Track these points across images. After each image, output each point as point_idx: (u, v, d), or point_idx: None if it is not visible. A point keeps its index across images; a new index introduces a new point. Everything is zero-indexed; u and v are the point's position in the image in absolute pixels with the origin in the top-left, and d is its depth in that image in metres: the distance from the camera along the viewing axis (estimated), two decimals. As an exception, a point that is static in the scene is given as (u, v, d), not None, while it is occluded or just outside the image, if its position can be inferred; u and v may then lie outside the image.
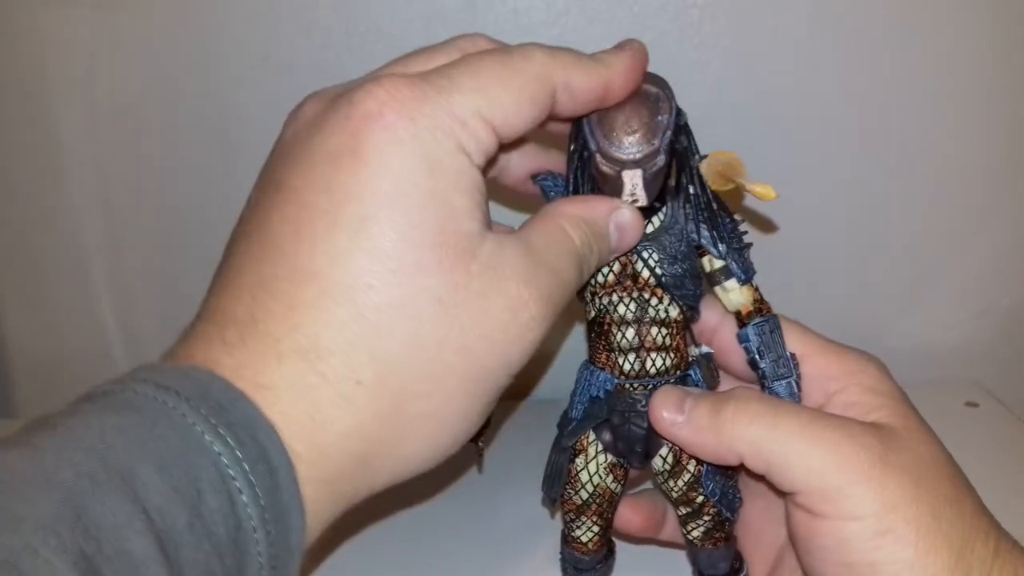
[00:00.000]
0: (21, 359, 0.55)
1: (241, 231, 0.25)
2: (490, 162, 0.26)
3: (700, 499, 0.31)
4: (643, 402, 0.30)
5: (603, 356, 0.31)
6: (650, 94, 0.29)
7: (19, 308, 0.54)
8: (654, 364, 0.31)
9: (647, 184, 0.28)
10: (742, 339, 0.30)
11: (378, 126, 0.23)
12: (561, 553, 0.35)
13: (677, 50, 0.46)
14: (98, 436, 0.21)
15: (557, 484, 0.33)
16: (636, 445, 0.31)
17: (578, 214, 0.28)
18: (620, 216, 0.28)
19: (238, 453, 0.21)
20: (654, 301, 0.30)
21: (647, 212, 0.30)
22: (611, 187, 0.29)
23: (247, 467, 0.22)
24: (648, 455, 0.31)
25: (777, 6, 0.46)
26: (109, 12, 0.46)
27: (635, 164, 0.28)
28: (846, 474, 0.26)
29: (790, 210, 0.50)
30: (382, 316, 0.23)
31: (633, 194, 0.29)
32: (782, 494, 0.28)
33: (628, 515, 0.34)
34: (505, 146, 0.26)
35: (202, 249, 0.52)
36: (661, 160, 0.28)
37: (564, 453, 0.32)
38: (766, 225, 0.49)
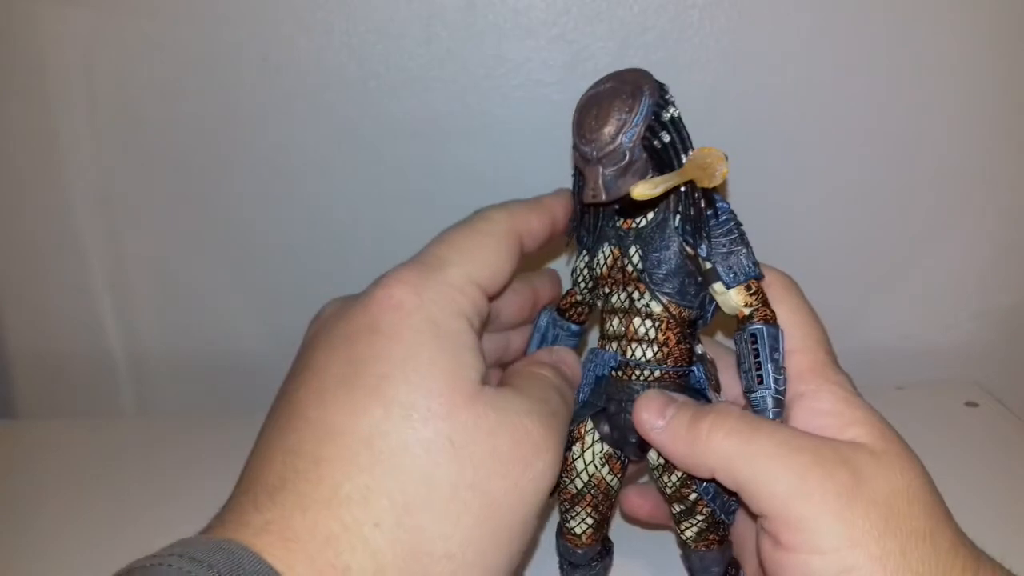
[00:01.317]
0: (21, 359, 0.55)
1: (271, 413, 0.28)
2: (484, 320, 0.30)
3: (693, 496, 0.31)
4: (640, 392, 0.30)
5: (600, 343, 0.32)
6: (623, 91, 0.29)
7: (19, 308, 0.54)
8: (633, 354, 0.31)
9: (608, 181, 0.28)
10: (734, 343, 0.30)
11: (389, 305, 0.26)
12: (557, 546, 0.35)
13: (677, 50, 0.46)
14: None
15: None
16: (630, 435, 0.31)
17: (534, 360, 0.33)
18: (558, 355, 0.33)
19: None
20: (637, 295, 0.31)
21: (640, 208, 0.30)
22: (583, 180, 0.29)
23: None
24: (643, 447, 0.31)
25: (777, 6, 0.46)
26: (109, 12, 0.46)
27: (597, 161, 0.28)
28: (811, 504, 0.25)
29: (789, 209, 0.50)
30: (397, 459, 0.25)
31: (594, 190, 0.29)
32: (754, 516, 0.28)
33: (638, 501, 0.35)
34: (492, 297, 0.30)
35: (202, 249, 0.52)
36: (624, 159, 0.28)
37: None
38: (821, 256, 0.49)
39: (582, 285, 0.34)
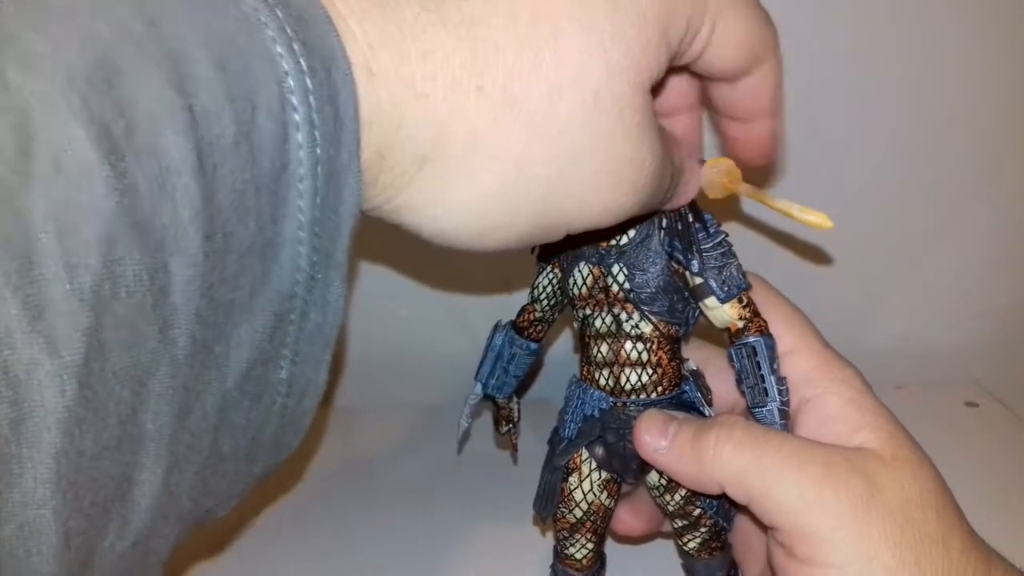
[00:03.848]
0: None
1: None
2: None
3: (697, 512, 0.31)
4: (636, 417, 0.30)
5: (585, 369, 0.31)
6: None
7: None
8: (628, 380, 0.30)
9: None
10: (729, 358, 0.29)
11: None
12: (553, 569, 0.34)
13: (676, 50, 0.46)
14: (148, 2, 0.16)
15: (550, 504, 0.32)
16: (632, 462, 0.30)
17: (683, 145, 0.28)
18: (692, 174, 0.28)
19: (308, 82, 0.18)
20: (624, 316, 0.30)
21: (620, 225, 0.29)
22: None
23: (313, 102, 0.18)
24: (643, 470, 0.31)
25: (777, 7, 0.46)
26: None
27: None
28: (826, 517, 0.25)
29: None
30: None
31: None
32: (765, 528, 0.27)
33: (631, 520, 0.34)
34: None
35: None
36: None
37: (557, 472, 0.32)
38: (820, 256, 0.49)
39: (544, 303, 0.33)
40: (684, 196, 0.28)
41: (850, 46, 0.46)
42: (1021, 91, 0.48)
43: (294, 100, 0.18)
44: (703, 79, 0.28)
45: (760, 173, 0.28)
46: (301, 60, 0.18)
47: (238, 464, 0.20)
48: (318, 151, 0.18)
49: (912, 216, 0.51)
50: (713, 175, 0.28)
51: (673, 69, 0.25)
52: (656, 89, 0.24)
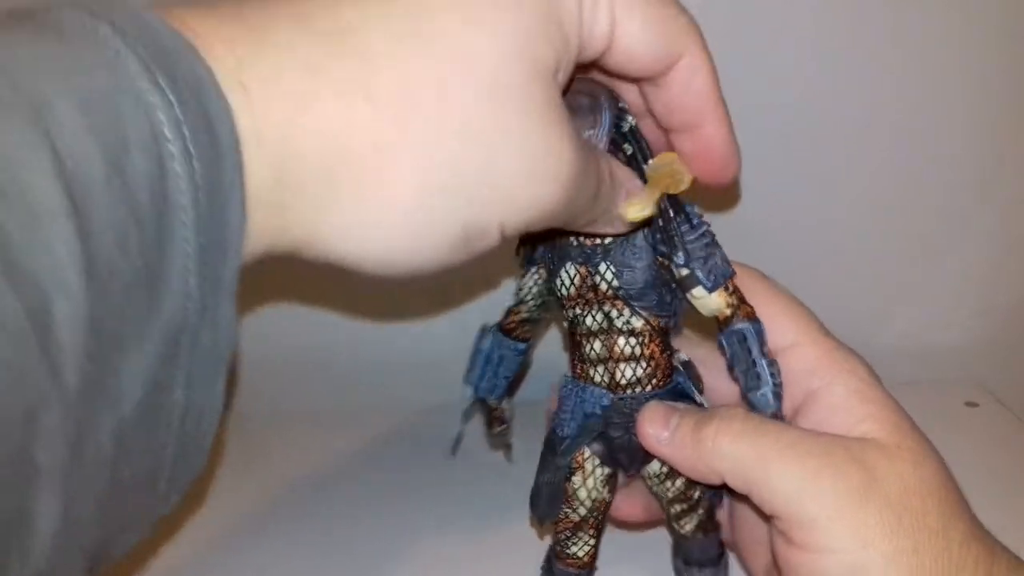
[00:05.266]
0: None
1: None
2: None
3: (697, 494, 0.31)
4: (638, 410, 0.30)
5: (579, 367, 0.31)
6: (583, 105, 0.28)
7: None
8: (623, 375, 0.30)
9: None
10: (719, 346, 0.29)
11: None
12: (544, 570, 0.34)
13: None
14: (6, 52, 0.16)
15: (555, 506, 0.32)
16: (638, 454, 0.30)
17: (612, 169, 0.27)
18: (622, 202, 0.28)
19: (178, 112, 0.18)
20: (615, 313, 0.30)
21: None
22: None
23: (186, 132, 0.18)
24: (645, 461, 0.31)
25: (777, 6, 0.46)
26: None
27: None
28: (823, 506, 0.25)
29: (789, 207, 0.50)
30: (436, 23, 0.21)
31: None
32: (766, 517, 0.28)
33: (627, 508, 0.34)
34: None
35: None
36: None
37: (560, 472, 0.32)
38: (820, 256, 0.49)
39: (531, 303, 0.33)
40: (616, 223, 0.28)
41: (850, 46, 0.46)
42: (1021, 91, 0.48)
43: (167, 132, 0.18)
44: (637, 82, 0.27)
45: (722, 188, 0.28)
46: (168, 93, 0.18)
47: (140, 493, 0.20)
48: (197, 178, 0.18)
49: (912, 216, 0.51)
50: (657, 171, 0.28)
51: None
52: None
